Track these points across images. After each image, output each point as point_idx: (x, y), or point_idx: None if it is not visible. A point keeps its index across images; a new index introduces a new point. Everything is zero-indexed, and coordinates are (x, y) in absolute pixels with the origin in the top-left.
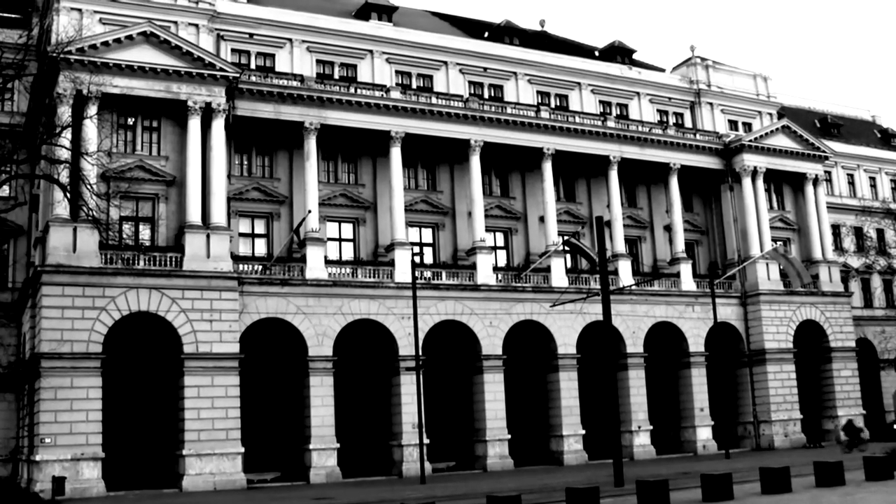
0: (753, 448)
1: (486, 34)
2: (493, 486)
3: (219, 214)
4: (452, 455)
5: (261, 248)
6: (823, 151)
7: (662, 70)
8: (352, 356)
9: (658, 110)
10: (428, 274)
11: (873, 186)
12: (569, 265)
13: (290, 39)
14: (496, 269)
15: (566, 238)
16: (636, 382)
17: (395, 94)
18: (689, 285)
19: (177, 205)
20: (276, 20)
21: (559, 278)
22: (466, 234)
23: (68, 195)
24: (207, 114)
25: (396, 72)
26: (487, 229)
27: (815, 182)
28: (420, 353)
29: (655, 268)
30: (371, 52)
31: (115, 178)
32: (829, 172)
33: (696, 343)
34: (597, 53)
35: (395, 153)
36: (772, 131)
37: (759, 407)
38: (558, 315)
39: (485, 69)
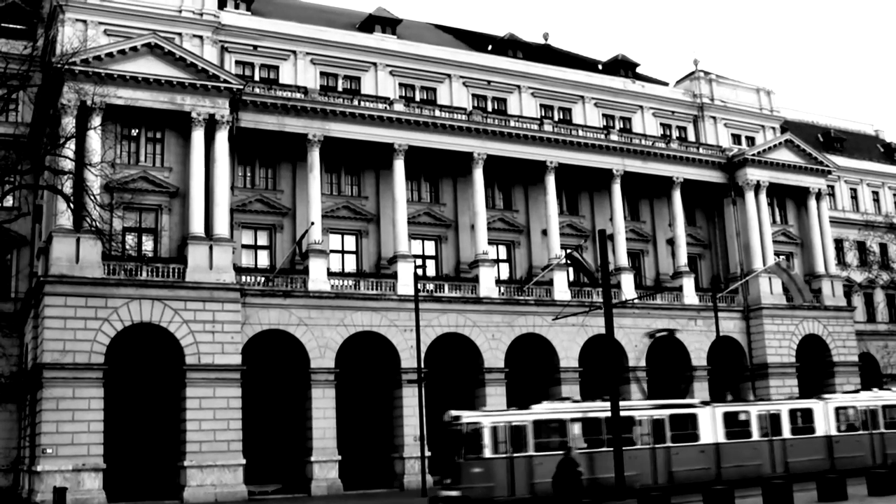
0: None
1: (490, 47)
2: None
3: (222, 226)
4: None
5: (263, 259)
6: (826, 166)
7: (666, 84)
8: (354, 368)
9: (661, 124)
10: (430, 286)
11: (876, 201)
12: (571, 278)
13: (294, 52)
14: (499, 281)
15: (568, 252)
16: (638, 396)
17: (399, 107)
18: (692, 299)
19: (180, 216)
20: (281, 32)
21: (562, 291)
22: (469, 247)
23: (72, 206)
24: (211, 125)
25: (400, 84)
26: (490, 242)
27: (818, 196)
28: (422, 365)
29: (658, 281)
30: (375, 64)
31: (118, 189)
32: (832, 187)
33: (698, 357)
34: (600, 67)
35: (399, 166)
36: (775, 145)
37: None
38: (560, 328)
39: (488, 82)
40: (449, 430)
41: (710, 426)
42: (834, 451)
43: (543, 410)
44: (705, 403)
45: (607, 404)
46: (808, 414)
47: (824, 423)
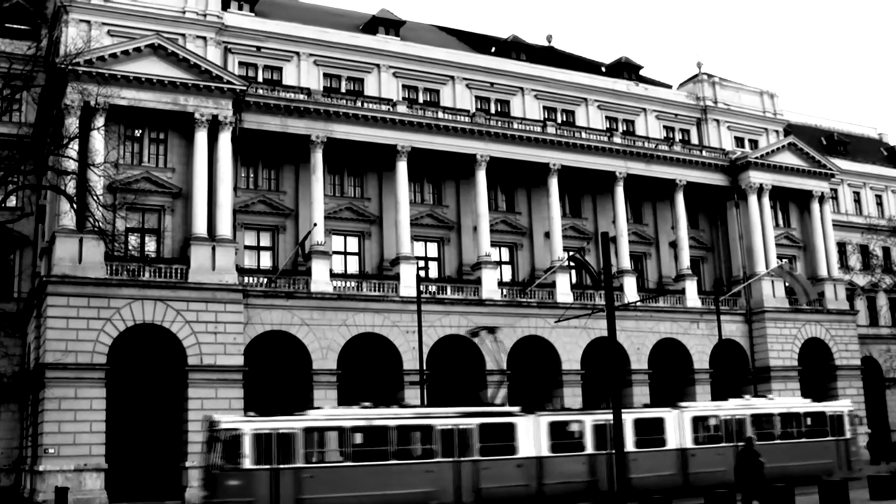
0: None
1: (493, 49)
2: None
3: (224, 227)
4: None
5: (266, 260)
6: (829, 169)
7: (669, 86)
8: (356, 370)
9: (664, 126)
10: (433, 288)
11: (879, 204)
12: (574, 281)
13: (297, 53)
14: (501, 284)
15: (571, 254)
16: (640, 399)
17: (402, 109)
18: (694, 302)
19: (183, 217)
20: (284, 34)
21: (564, 294)
22: (472, 249)
23: (75, 206)
24: (214, 126)
25: (403, 86)
26: (493, 244)
27: (821, 199)
28: (424, 367)
29: (660, 284)
30: (378, 66)
31: (121, 189)
32: (835, 190)
33: (700, 360)
34: (603, 69)
35: (401, 167)
36: (778, 148)
37: None
38: (563, 331)
39: (491, 84)
40: (208, 438)
41: (533, 438)
42: (689, 466)
43: (319, 417)
44: (528, 412)
45: (394, 411)
46: (658, 424)
47: (677, 435)
